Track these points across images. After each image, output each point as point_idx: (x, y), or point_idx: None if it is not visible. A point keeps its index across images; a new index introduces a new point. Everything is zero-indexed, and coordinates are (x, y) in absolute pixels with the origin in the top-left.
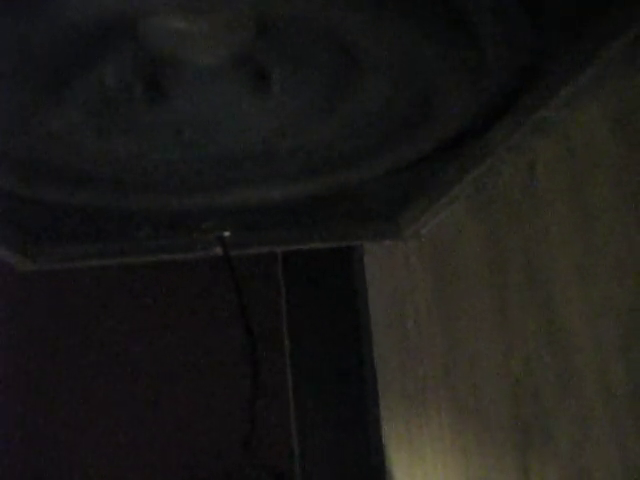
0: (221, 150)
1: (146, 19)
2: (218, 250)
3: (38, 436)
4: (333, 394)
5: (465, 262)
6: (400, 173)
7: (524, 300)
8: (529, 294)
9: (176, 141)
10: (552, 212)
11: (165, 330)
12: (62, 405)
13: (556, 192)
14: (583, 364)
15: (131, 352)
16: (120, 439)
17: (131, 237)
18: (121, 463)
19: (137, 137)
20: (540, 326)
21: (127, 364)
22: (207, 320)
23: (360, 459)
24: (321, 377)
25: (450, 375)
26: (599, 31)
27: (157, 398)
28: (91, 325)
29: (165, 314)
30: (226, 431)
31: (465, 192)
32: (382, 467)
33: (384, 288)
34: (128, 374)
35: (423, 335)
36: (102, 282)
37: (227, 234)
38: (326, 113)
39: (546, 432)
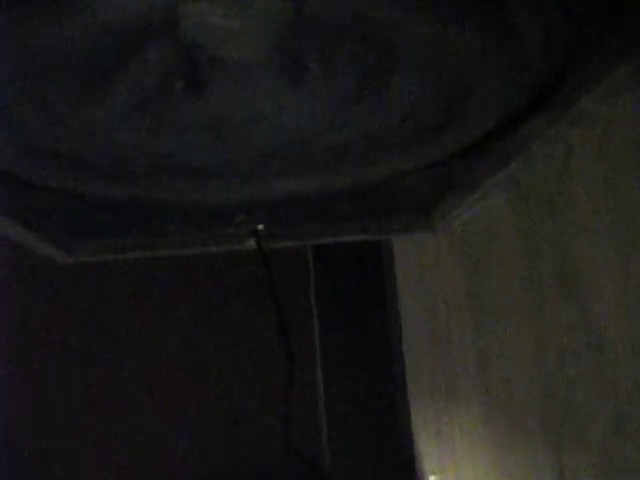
0: (257, 144)
1: (186, 16)
2: (251, 243)
3: (66, 426)
4: (362, 386)
5: (498, 255)
6: (435, 167)
7: (558, 294)
8: (563, 288)
9: (213, 135)
10: (587, 205)
11: (199, 322)
12: (99, 392)
13: (591, 184)
14: (617, 358)
15: (166, 343)
16: (155, 429)
17: (166, 231)
18: (156, 452)
19: (175, 131)
20: (574, 320)
21: (162, 355)
22: (239, 313)
23: (389, 450)
24: (350, 369)
25: (481, 368)
26: (636, 26)
27: (191, 389)
28: (126, 316)
29: (198, 307)
30: (260, 422)
31: (499, 185)
32: (412, 458)
33: (414, 280)
34: (164, 365)
35: (454, 327)
36: (136, 274)
37: (261, 227)
38: (361, 107)
39: (579, 426)
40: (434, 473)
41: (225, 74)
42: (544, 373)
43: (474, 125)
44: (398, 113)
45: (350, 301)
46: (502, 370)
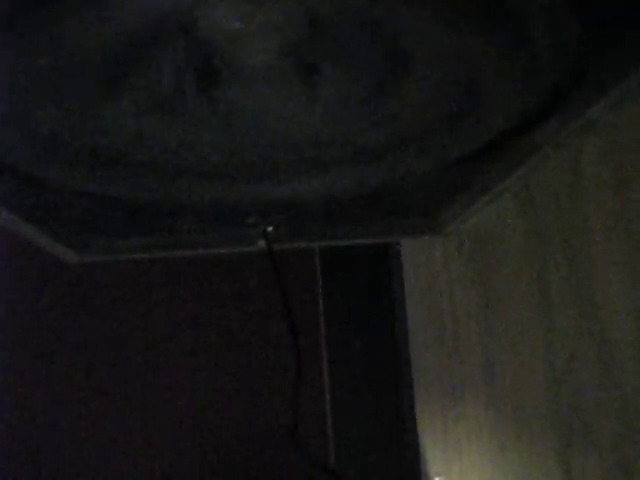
0: (268, 144)
1: (201, 16)
2: (261, 244)
3: (75, 420)
4: (369, 389)
5: (506, 258)
6: (445, 170)
7: (567, 296)
8: (572, 290)
9: (225, 135)
10: (596, 209)
11: (207, 323)
12: (111, 390)
13: (601, 189)
14: (625, 360)
15: (172, 344)
16: (161, 428)
17: (176, 231)
18: (161, 451)
19: (187, 129)
20: (583, 322)
21: (169, 355)
22: (247, 314)
23: (395, 453)
24: (357, 372)
25: (489, 371)
26: None
27: (198, 389)
28: (136, 316)
29: (206, 308)
30: (267, 423)
31: (509, 188)
32: (417, 462)
33: (421, 283)
34: (170, 365)
35: (461, 330)
36: (144, 274)
37: (270, 229)
38: (373, 108)
39: (587, 427)
40: (439, 475)
41: (239, 74)
42: (552, 377)
43: (485, 128)
44: (410, 115)
45: (357, 305)
46: (510, 374)
